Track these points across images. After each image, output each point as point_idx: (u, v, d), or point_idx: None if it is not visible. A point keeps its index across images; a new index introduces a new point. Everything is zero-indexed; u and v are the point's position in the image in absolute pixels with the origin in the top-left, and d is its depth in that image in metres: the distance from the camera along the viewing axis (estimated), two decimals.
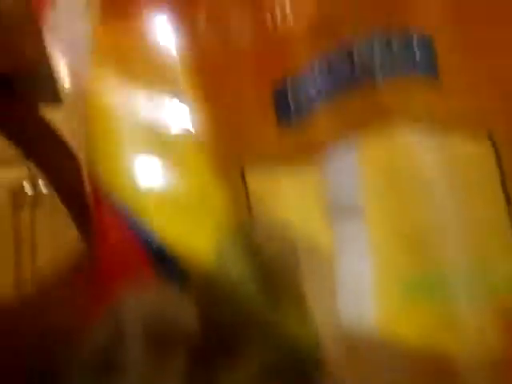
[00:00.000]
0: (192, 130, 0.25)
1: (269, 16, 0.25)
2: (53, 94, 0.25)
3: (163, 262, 0.24)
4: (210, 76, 0.25)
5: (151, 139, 0.25)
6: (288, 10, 0.25)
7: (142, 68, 0.25)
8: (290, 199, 0.25)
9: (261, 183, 0.25)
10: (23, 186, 0.91)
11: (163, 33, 0.25)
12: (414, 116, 0.24)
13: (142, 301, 0.24)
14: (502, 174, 0.24)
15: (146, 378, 0.23)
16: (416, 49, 0.24)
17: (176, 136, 0.25)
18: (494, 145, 0.24)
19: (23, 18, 0.25)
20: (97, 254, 0.24)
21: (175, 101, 0.25)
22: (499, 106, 0.24)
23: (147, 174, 0.25)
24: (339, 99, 0.25)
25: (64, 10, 0.25)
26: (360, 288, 0.24)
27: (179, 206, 0.25)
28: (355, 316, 0.24)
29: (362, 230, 0.24)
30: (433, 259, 0.24)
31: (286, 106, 0.25)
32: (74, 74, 0.24)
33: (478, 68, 0.24)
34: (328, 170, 0.24)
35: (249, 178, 0.25)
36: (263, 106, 0.26)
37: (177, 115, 0.25)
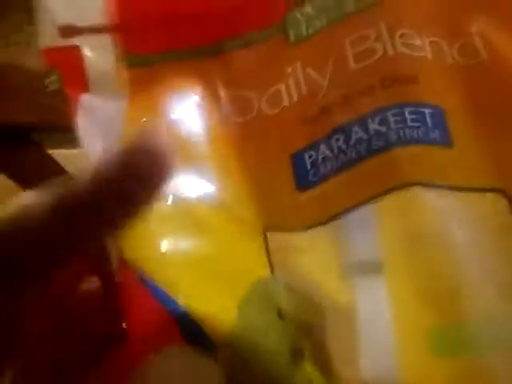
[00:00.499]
0: (215, 197, 0.26)
1: (284, 90, 0.26)
2: (71, 142, 0.26)
3: (188, 327, 0.24)
4: (232, 147, 0.26)
5: (173, 208, 0.25)
6: (302, 84, 0.26)
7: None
8: (310, 258, 0.25)
9: (281, 243, 0.25)
10: None
11: (187, 110, 0.27)
12: (429, 179, 0.24)
13: (168, 367, 0.24)
14: None
15: None
16: (428, 118, 0.24)
17: (199, 203, 0.26)
18: (509, 201, 0.24)
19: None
20: (126, 325, 0.25)
21: (199, 171, 0.26)
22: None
23: (170, 242, 0.25)
24: (355, 165, 0.25)
25: (97, 91, 0.26)
26: (382, 343, 0.23)
27: (201, 270, 0.25)
28: (379, 371, 0.23)
29: (382, 285, 0.24)
30: (454, 310, 0.23)
31: (304, 172, 0.25)
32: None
33: (489, 132, 0.24)
34: (346, 230, 0.24)
35: (270, 239, 0.25)
36: (282, 172, 0.26)
37: (200, 184, 0.26)
